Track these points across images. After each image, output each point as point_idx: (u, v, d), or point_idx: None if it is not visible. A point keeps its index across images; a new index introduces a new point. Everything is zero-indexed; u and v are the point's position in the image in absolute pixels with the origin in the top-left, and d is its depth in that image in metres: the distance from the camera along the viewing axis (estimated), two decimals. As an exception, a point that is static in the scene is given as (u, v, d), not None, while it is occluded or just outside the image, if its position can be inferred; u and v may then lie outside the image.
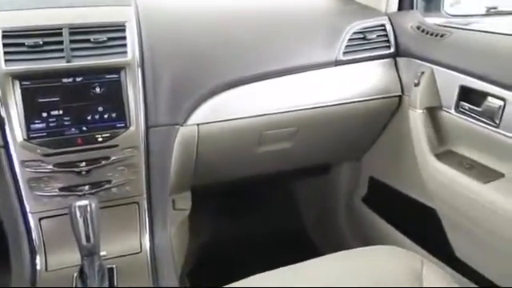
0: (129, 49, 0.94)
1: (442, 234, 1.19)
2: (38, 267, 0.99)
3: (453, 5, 1.29)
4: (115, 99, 0.94)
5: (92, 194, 0.97)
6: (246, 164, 1.31)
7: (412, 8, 1.30)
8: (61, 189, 0.96)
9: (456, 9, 1.30)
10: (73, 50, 0.91)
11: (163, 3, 1.15)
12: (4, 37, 0.88)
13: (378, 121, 1.31)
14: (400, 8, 1.29)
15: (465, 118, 1.04)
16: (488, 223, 0.98)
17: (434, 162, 1.09)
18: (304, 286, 0.80)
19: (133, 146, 0.98)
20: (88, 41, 0.92)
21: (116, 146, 0.96)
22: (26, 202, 0.96)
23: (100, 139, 0.94)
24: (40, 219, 0.98)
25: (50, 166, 0.93)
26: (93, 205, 0.86)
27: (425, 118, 1.13)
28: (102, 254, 0.95)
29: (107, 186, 0.99)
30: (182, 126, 1.03)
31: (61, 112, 0.91)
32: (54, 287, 0.96)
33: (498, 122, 0.95)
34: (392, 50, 1.22)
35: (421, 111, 1.12)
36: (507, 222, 0.92)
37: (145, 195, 1.05)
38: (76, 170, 0.95)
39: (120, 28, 0.95)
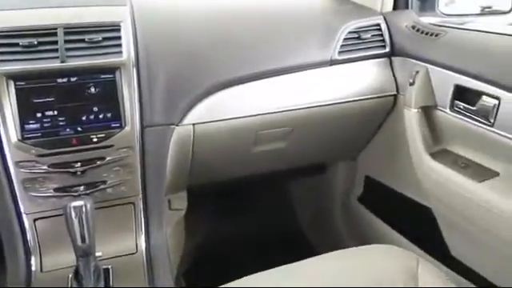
0: (124, 49, 0.94)
1: (437, 232, 1.19)
2: (33, 268, 0.99)
3: (447, 4, 1.30)
4: (110, 99, 0.94)
5: (87, 194, 0.97)
6: (242, 164, 1.31)
7: (407, 7, 1.30)
8: (56, 189, 0.95)
9: (451, 8, 1.30)
10: (67, 50, 0.90)
11: (158, 3, 1.15)
12: None
13: (374, 120, 1.32)
14: (395, 7, 1.29)
15: (460, 117, 1.04)
16: (483, 222, 0.98)
17: (429, 161, 1.10)
18: (300, 286, 0.80)
19: (128, 146, 0.97)
20: (83, 41, 0.92)
21: (111, 146, 0.96)
22: (20, 203, 0.95)
23: (95, 139, 0.94)
24: (35, 220, 0.98)
25: (45, 167, 0.92)
26: (88, 205, 0.86)
27: (420, 117, 1.13)
28: (98, 254, 0.94)
29: (102, 186, 0.98)
30: (177, 125, 1.03)
31: (55, 112, 0.91)
32: None
33: (492, 121, 0.96)
34: (387, 49, 1.22)
35: (416, 110, 1.12)
36: (502, 221, 0.93)
37: (140, 195, 1.04)
38: (71, 170, 0.94)
39: (115, 28, 0.95)
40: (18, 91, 0.88)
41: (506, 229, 0.93)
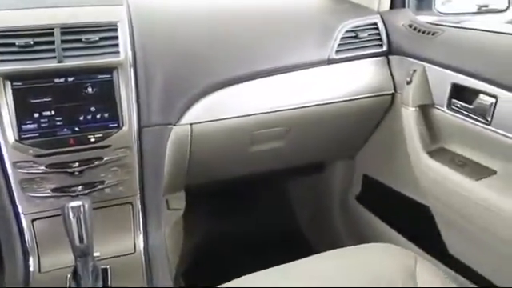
0: (121, 48, 0.94)
1: (435, 231, 1.19)
2: (32, 269, 0.99)
3: (444, 3, 1.30)
4: (108, 99, 0.94)
5: (85, 194, 0.96)
6: (240, 163, 1.31)
7: (404, 6, 1.30)
8: (53, 190, 0.95)
9: (447, 7, 1.30)
10: (64, 50, 0.90)
11: (155, 2, 1.15)
12: None
13: (371, 119, 1.32)
14: (392, 6, 1.29)
15: (457, 115, 1.05)
16: (480, 220, 0.98)
17: (427, 160, 1.10)
18: (298, 285, 0.80)
19: (126, 146, 0.97)
20: (80, 41, 0.91)
21: (109, 146, 0.96)
22: (18, 204, 0.95)
23: (92, 139, 0.94)
24: (33, 220, 0.98)
25: (43, 167, 0.92)
26: (86, 205, 0.85)
27: (417, 116, 1.13)
28: (96, 254, 0.94)
29: (100, 186, 0.98)
30: (175, 125, 1.03)
31: (53, 112, 0.91)
32: None
33: (489, 119, 0.96)
34: (384, 48, 1.23)
35: (413, 109, 1.12)
36: (499, 219, 0.93)
37: (138, 195, 1.04)
38: (69, 170, 0.94)
39: (112, 28, 0.94)
40: (15, 91, 0.88)
41: (503, 227, 0.93)
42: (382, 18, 1.24)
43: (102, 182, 0.98)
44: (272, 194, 1.87)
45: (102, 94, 0.93)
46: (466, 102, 1.02)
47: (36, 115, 0.90)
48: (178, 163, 1.10)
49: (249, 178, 1.45)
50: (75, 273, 0.92)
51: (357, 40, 1.20)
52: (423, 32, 1.15)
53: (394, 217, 1.38)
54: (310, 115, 1.17)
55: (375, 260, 0.87)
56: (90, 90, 0.92)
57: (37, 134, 0.90)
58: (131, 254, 1.04)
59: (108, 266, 0.99)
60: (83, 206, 0.85)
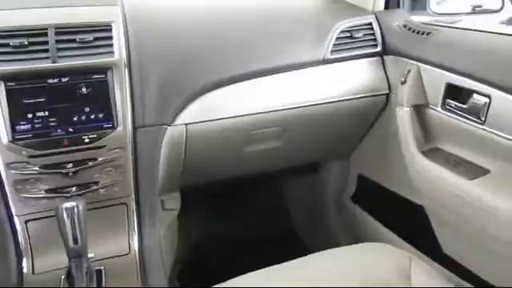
0: (115, 49, 0.94)
1: (430, 230, 1.20)
2: (25, 270, 0.98)
3: (439, 3, 1.30)
4: (102, 100, 0.94)
5: (79, 195, 0.96)
6: (235, 163, 1.31)
7: (398, 6, 1.31)
8: (47, 190, 0.95)
9: (442, 7, 1.31)
10: (58, 50, 0.90)
11: (149, 3, 1.15)
12: None
13: (366, 119, 1.32)
14: (387, 6, 1.30)
15: (451, 115, 1.05)
16: (474, 219, 0.99)
17: (421, 160, 1.10)
18: (293, 286, 0.80)
19: (120, 147, 0.97)
20: (74, 41, 0.91)
21: (103, 146, 0.95)
22: (11, 205, 0.95)
23: (87, 140, 0.93)
24: (26, 222, 0.97)
25: (36, 168, 0.92)
26: (80, 206, 0.85)
27: (412, 116, 1.13)
28: (90, 255, 0.94)
29: (95, 187, 0.98)
30: (169, 125, 1.03)
31: (47, 113, 0.90)
32: None
33: (483, 119, 0.97)
34: (379, 48, 1.23)
35: (408, 109, 1.13)
36: (493, 218, 0.93)
37: (133, 196, 1.04)
38: (63, 171, 0.94)
39: (106, 28, 0.94)
40: (9, 92, 0.87)
41: (497, 226, 0.94)
42: (376, 18, 1.24)
43: (97, 183, 0.98)
44: (267, 194, 1.87)
45: (96, 95, 0.93)
46: (460, 102, 1.03)
47: (30, 116, 0.89)
48: (173, 164, 1.10)
49: (244, 179, 1.45)
50: (69, 274, 0.91)
51: (352, 40, 1.20)
52: (418, 32, 1.15)
53: (388, 217, 1.39)
54: (305, 115, 1.17)
55: (370, 260, 0.88)
56: (84, 90, 0.92)
57: (30, 135, 0.90)
58: (126, 254, 1.04)
59: (102, 267, 0.99)
60: (77, 206, 0.85)
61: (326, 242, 1.62)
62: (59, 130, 0.92)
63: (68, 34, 0.91)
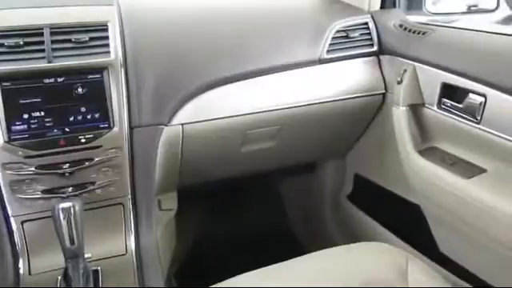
0: (111, 48, 0.93)
1: (426, 229, 1.20)
2: (21, 271, 0.97)
3: (434, 3, 1.31)
4: (98, 99, 0.93)
5: (76, 195, 0.96)
6: (232, 163, 1.31)
7: (394, 6, 1.31)
8: (43, 191, 0.94)
9: (437, 7, 1.31)
10: (54, 50, 0.89)
11: (145, 3, 1.15)
12: None
13: (362, 118, 1.32)
14: (382, 6, 1.30)
15: (447, 114, 1.05)
16: (471, 218, 0.99)
17: (418, 159, 1.10)
18: (290, 285, 0.80)
19: (116, 147, 0.97)
20: (69, 41, 0.91)
21: (99, 146, 0.95)
22: (7, 205, 0.94)
23: (83, 140, 0.93)
24: (22, 222, 0.97)
25: (32, 168, 0.91)
26: (76, 206, 0.85)
27: (408, 115, 1.14)
28: (87, 256, 0.93)
29: (91, 187, 0.98)
30: (166, 125, 1.03)
31: (42, 113, 0.90)
32: None
33: (479, 118, 0.97)
34: (375, 48, 1.23)
35: (404, 108, 1.13)
36: (490, 217, 0.94)
37: (129, 196, 1.04)
38: (59, 171, 0.93)
39: (102, 28, 0.94)
40: (4, 92, 0.87)
41: (493, 225, 0.94)
42: (372, 17, 1.25)
43: (93, 183, 0.98)
44: (264, 194, 1.87)
45: (92, 95, 0.93)
46: (455, 101, 1.03)
47: (25, 116, 0.89)
48: (170, 164, 1.10)
49: (240, 179, 1.45)
50: (66, 275, 0.91)
51: (348, 40, 1.20)
52: (413, 32, 1.16)
53: (385, 216, 1.39)
54: (302, 115, 1.17)
55: (367, 259, 0.88)
56: (80, 90, 0.92)
57: (26, 135, 0.89)
58: (123, 255, 1.04)
59: (99, 268, 0.99)
60: (74, 207, 0.84)
61: (322, 241, 1.62)
62: (55, 130, 0.91)
63: (64, 33, 0.91)
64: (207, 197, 1.68)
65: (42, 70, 0.88)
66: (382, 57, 1.24)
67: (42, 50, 0.89)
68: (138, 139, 1.00)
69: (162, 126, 1.02)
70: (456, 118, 1.03)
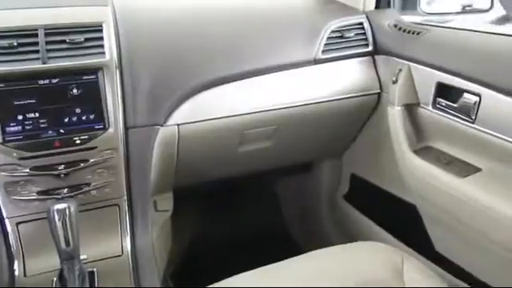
0: (106, 49, 0.93)
1: (422, 229, 1.20)
2: (17, 273, 0.97)
3: (429, 3, 1.31)
4: (93, 100, 0.93)
5: (71, 197, 0.95)
6: (228, 164, 1.31)
7: (389, 6, 1.32)
8: (38, 192, 0.94)
9: (432, 7, 1.32)
10: (49, 51, 0.89)
11: (140, 3, 1.14)
12: None
13: (358, 118, 1.33)
14: (377, 6, 1.30)
15: (442, 114, 1.06)
16: (466, 217, 0.99)
17: (413, 158, 1.11)
18: (287, 285, 0.80)
19: (112, 148, 0.97)
20: (64, 42, 0.91)
21: (94, 147, 0.95)
22: (2, 207, 0.94)
23: (78, 141, 0.93)
24: (17, 224, 0.96)
25: (27, 170, 0.91)
26: (72, 208, 0.85)
27: (403, 115, 1.14)
28: (82, 257, 0.93)
29: (86, 188, 0.97)
30: (162, 126, 1.03)
31: (37, 114, 0.89)
32: None
33: (473, 117, 0.97)
34: (370, 48, 1.23)
35: (399, 108, 1.13)
36: (485, 216, 0.94)
37: (125, 197, 1.03)
38: (54, 173, 0.93)
39: (97, 28, 0.94)
40: None
41: (489, 224, 0.94)
42: (367, 17, 1.25)
43: (88, 184, 0.97)
44: (260, 194, 1.87)
45: (87, 96, 0.92)
46: (450, 101, 1.03)
47: (20, 117, 0.88)
48: (166, 164, 1.10)
49: (237, 179, 1.45)
50: (61, 276, 0.90)
51: (343, 40, 1.20)
52: (408, 32, 1.16)
53: (381, 215, 1.39)
54: (297, 115, 1.17)
55: (363, 258, 0.88)
56: (75, 91, 0.91)
57: (21, 137, 0.89)
58: (118, 256, 1.03)
59: (95, 269, 0.98)
60: (69, 208, 0.84)
61: (319, 241, 1.62)
62: (50, 132, 0.91)
63: (58, 34, 0.91)
64: (203, 197, 1.68)
65: (37, 71, 0.88)
66: (377, 57, 1.24)
67: (37, 51, 0.88)
68: (134, 140, 1.00)
69: (157, 127, 1.02)
70: (451, 117, 1.03)
